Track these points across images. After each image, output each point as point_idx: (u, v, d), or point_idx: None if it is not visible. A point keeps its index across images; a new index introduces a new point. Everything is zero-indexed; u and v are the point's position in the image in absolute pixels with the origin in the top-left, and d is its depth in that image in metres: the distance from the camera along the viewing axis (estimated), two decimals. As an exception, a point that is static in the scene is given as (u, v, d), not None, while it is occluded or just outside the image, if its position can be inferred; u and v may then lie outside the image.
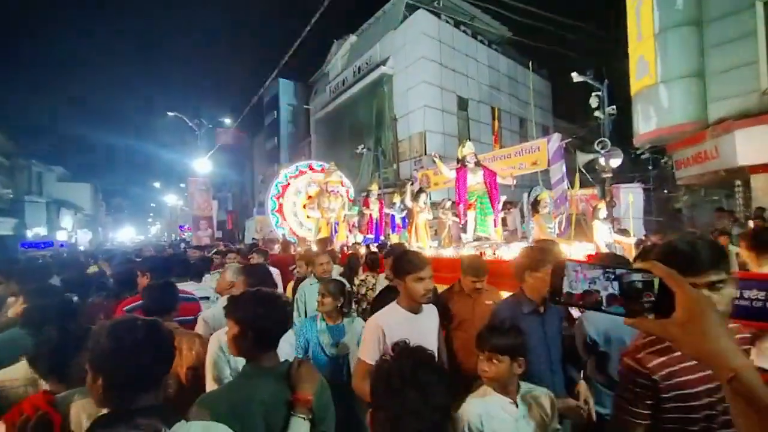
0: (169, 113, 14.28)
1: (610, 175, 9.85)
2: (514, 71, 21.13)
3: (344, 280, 3.06)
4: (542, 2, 15.84)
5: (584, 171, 11.33)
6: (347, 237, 7.19)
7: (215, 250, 7.28)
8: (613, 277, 0.54)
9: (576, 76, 9.76)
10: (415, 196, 5.33)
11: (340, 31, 22.71)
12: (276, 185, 8.73)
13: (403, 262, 1.77)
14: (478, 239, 4.72)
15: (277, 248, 7.14)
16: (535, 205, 4.14)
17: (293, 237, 8.64)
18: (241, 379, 1.33)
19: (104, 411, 1.03)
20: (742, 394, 0.47)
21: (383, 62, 17.89)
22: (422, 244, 5.11)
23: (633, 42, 9.01)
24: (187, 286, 2.86)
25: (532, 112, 11.14)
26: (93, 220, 34.60)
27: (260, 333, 1.31)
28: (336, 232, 7.07)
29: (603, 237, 4.62)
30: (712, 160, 8.08)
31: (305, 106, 25.93)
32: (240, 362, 1.40)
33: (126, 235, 47.17)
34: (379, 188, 16.23)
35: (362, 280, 3.61)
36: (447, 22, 17.58)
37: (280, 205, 8.74)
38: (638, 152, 11.20)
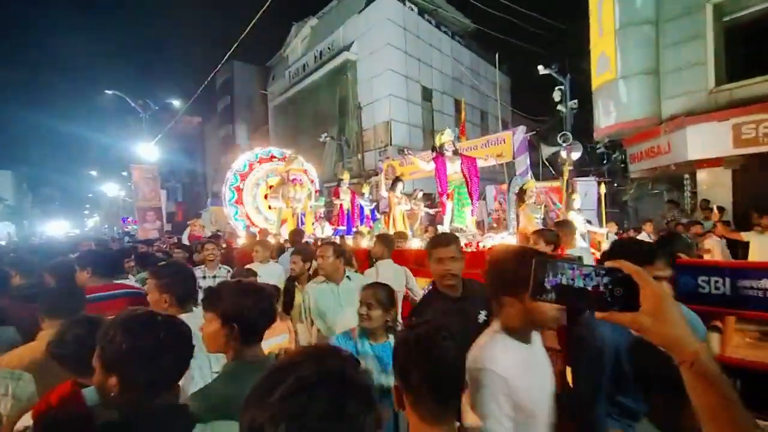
0: (108, 92, 12.71)
1: (571, 167, 10.19)
2: (476, 64, 21.35)
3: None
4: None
5: (548, 164, 11.69)
6: (314, 229, 6.77)
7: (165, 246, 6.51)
8: (586, 274, 0.59)
9: (542, 69, 9.91)
10: (392, 186, 5.03)
11: (299, 13, 21.68)
12: (234, 174, 8.03)
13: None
14: (454, 230, 4.55)
15: (240, 242, 6.55)
16: (521, 194, 4.03)
17: (254, 229, 8.04)
18: (228, 377, 1.21)
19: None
20: (702, 374, 0.53)
21: (347, 47, 17.28)
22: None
23: (595, 37, 9.25)
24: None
25: (498, 105, 11.20)
26: (15, 211, 30.79)
27: (247, 326, 1.24)
28: (302, 223, 6.61)
29: (577, 227, 4.63)
30: (664, 154, 8.53)
31: (262, 92, 24.61)
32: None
33: (58, 229, 42.55)
34: (356, 176, 15.64)
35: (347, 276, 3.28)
36: (411, 9, 17.28)
37: (240, 195, 8.07)
38: (596, 146, 11.68)
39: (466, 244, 3.92)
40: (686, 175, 8.50)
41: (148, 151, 13.40)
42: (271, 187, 7.98)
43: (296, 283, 3.02)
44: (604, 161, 12.76)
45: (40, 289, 1.99)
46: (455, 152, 4.84)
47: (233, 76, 26.45)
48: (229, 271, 3.75)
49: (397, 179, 5.09)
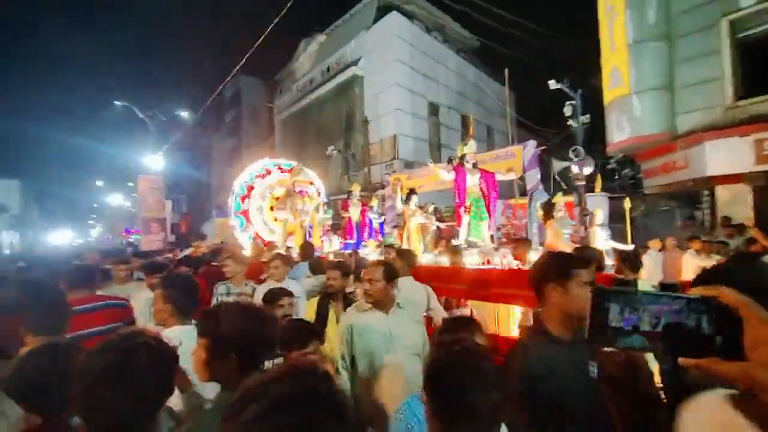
0: (118, 102, 12.76)
1: (583, 182, 10.00)
2: (481, 80, 21.47)
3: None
4: (509, 13, 16.13)
5: (559, 179, 11.51)
6: (322, 242, 6.56)
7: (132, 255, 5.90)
8: (677, 309, 0.44)
9: (553, 84, 9.83)
10: (406, 199, 4.83)
11: (308, 30, 22.04)
12: (241, 185, 7.89)
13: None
14: (470, 245, 4.33)
15: (245, 254, 6.32)
16: (549, 209, 3.83)
17: (259, 241, 7.84)
18: (224, 408, 0.94)
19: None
20: None
21: (354, 63, 17.43)
22: (414, 250, 4.63)
23: (606, 52, 9.20)
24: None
25: (507, 120, 11.06)
26: (21, 221, 30.85)
27: (245, 354, 1.12)
28: (310, 236, 6.41)
29: (601, 243, 4.42)
30: (681, 170, 8.34)
31: (269, 105, 24.80)
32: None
33: (63, 239, 42.55)
34: (362, 190, 15.58)
35: (350, 292, 3.06)
36: (418, 26, 17.48)
37: (246, 207, 7.92)
38: (608, 161, 11.52)
39: (486, 261, 3.71)
40: (705, 192, 8.27)
41: (154, 161, 13.36)
42: (277, 198, 7.81)
43: (331, 300, 2.66)
44: (616, 176, 12.55)
45: (25, 301, 1.77)
46: (475, 165, 4.68)
47: (241, 89, 26.74)
48: (254, 289, 3.41)
49: (411, 192, 4.90)
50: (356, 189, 6.10)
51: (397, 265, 2.94)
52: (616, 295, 0.46)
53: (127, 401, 0.86)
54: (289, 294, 2.29)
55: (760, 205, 7.68)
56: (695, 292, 0.45)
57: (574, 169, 10.22)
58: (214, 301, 3.20)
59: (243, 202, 7.90)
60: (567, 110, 10.49)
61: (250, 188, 8.06)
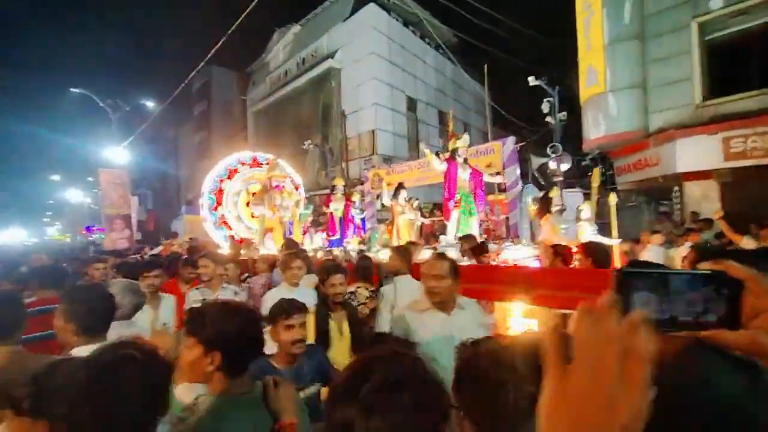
0: (75, 90, 11.77)
1: (561, 178, 10.20)
2: (458, 77, 21.55)
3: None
4: (487, 10, 16.21)
5: (537, 174, 11.69)
6: (302, 239, 6.30)
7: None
8: (688, 281, 0.44)
9: (532, 80, 9.93)
10: (394, 194, 4.65)
11: (282, 20, 21.36)
12: (214, 179, 7.47)
13: None
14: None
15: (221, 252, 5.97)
16: (545, 203, 3.76)
17: (233, 239, 7.47)
18: (213, 415, 1.07)
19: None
20: None
21: (331, 55, 17.03)
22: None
23: (582, 51, 9.34)
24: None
25: (488, 115, 11.08)
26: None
27: (233, 355, 1.11)
28: (290, 233, 6.12)
29: (588, 238, 4.42)
30: (653, 167, 8.61)
31: (242, 97, 23.92)
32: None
33: (13, 237, 39.47)
34: (345, 184, 15.22)
35: (351, 293, 2.87)
36: (396, 19, 17.28)
37: (219, 202, 7.50)
38: (583, 158, 11.80)
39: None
40: (675, 188, 8.59)
41: (117, 154, 12.49)
42: (253, 194, 7.45)
43: (330, 312, 2.36)
44: (589, 173, 12.89)
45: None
46: (466, 160, 4.56)
47: (211, 80, 25.65)
48: (236, 293, 3.26)
49: (400, 186, 4.72)
50: (340, 183, 5.86)
51: (395, 262, 2.77)
52: (642, 278, 0.43)
53: (111, 421, 0.78)
54: (303, 309, 1.83)
55: (727, 200, 8.04)
56: (704, 268, 0.45)
57: (552, 165, 10.42)
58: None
59: (216, 197, 7.48)
60: (545, 107, 10.67)
61: (223, 183, 7.64)
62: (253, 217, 7.71)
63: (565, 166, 10.28)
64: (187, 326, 1.15)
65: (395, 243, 4.37)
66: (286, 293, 2.35)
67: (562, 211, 3.69)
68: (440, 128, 20.03)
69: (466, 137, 4.59)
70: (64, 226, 45.67)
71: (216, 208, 7.41)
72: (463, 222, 4.35)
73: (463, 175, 4.48)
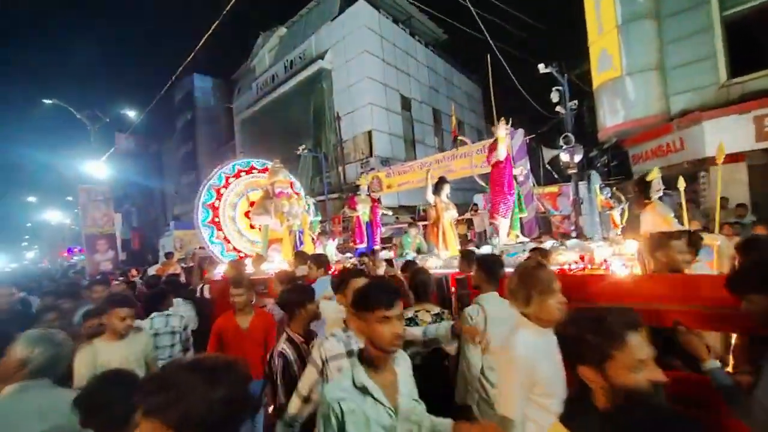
0: (48, 101, 10.76)
1: (575, 170, 9.68)
2: (450, 74, 21.13)
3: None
4: (478, 5, 15.78)
5: (549, 168, 11.16)
6: (314, 249, 5.57)
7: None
8: None
9: (542, 68, 9.40)
10: (436, 189, 3.95)
11: (265, 24, 20.66)
12: (209, 189, 6.68)
13: None
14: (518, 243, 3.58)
15: (218, 272, 5.20)
16: (645, 188, 3.09)
17: (232, 253, 6.69)
18: None
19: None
20: None
21: (320, 56, 16.38)
22: (451, 251, 3.78)
23: (593, 34, 8.88)
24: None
25: (494, 111, 10.49)
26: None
27: None
28: (301, 243, 5.39)
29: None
30: (676, 152, 8.13)
31: (227, 106, 23.04)
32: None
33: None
34: (336, 191, 14.41)
35: (410, 319, 2.18)
36: (386, 17, 16.73)
37: (215, 214, 6.72)
38: (594, 149, 11.33)
39: (581, 258, 2.85)
40: (702, 173, 8.12)
41: (97, 169, 11.53)
42: (252, 203, 6.69)
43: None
44: (598, 164, 12.45)
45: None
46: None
47: (193, 90, 24.71)
48: (182, 317, 3.24)
49: (442, 180, 4.02)
50: (364, 183, 5.15)
51: (476, 276, 2.08)
52: None
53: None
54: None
55: (754, 184, 7.60)
56: None
57: (565, 157, 9.90)
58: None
59: (212, 209, 6.69)
60: (554, 96, 10.15)
61: (219, 193, 6.86)
62: (251, 228, 6.95)
63: (578, 158, 9.76)
64: (142, 401, 0.83)
65: (441, 248, 3.70)
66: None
67: (661, 197, 3.09)
68: (434, 126, 19.53)
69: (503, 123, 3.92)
70: (43, 249, 43.62)
71: (212, 221, 6.62)
72: (515, 221, 3.73)
73: (515, 169, 3.85)
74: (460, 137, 6.91)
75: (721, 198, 7.55)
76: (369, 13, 15.54)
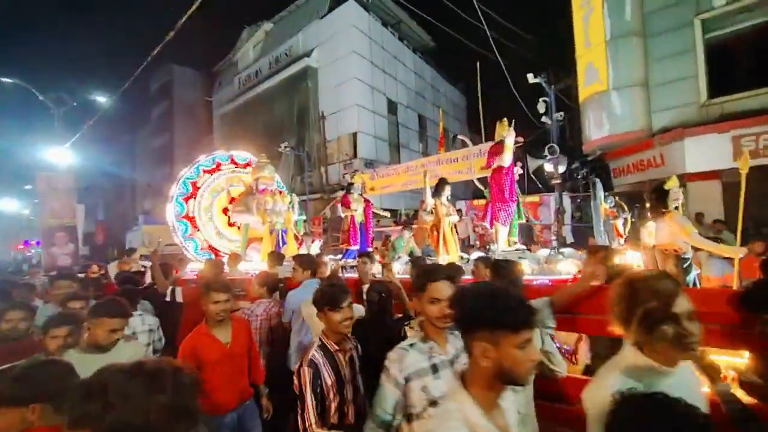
0: (6, 80, 9.88)
1: (559, 181, 9.79)
2: (436, 81, 21.20)
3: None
4: (468, 14, 15.94)
5: (534, 177, 11.26)
6: (299, 250, 5.27)
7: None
8: None
9: (531, 78, 9.49)
10: (436, 191, 3.73)
11: (251, 17, 20.14)
12: (185, 182, 6.25)
13: None
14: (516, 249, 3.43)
15: (191, 270, 4.80)
16: (663, 196, 3.00)
17: (208, 252, 6.27)
18: None
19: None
20: None
21: (307, 54, 16.05)
22: (452, 256, 3.57)
23: (581, 48, 9.03)
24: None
25: (481, 119, 10.48)
26: None
27: None
28: (284, 242, 5.07)
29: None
30: (656, 167, 8.32)
31: (207, 99, 22.26)
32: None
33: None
34: (318, 191, 14.04)
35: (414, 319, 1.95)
36: (375, 19, 16.61)
37: (191, 209, 6.29)
38: (575, 161, 11.53)
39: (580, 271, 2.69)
40: (682, 188, 8.33)
41: (60, 156, 10.72)
42: (233, 199, 6.31)
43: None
44: (576, 175, 12.70)
45: None
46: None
47: (172, 80, 23.75)
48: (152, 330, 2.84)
49: (443, 182, 3.80)
50: (358, 181, 4.86)
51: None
52: None
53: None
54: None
55: (728, 201, 7.85)
56: None
57: (549, 167, 10.00)
58: None
59: (187, 203, 6.26)
60: (540, 107, 10.26)
61: (196, 186, 6.44)
62: (230, 225, 6.56)
63: (561, 168, 9.89)
64: (74, 411, 0.75)
65: (441, 253, 3.50)
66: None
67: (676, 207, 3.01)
68: (420, 132, 19.50)
69: (505, 123, 3.76)
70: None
71: (186, 216, 6.19)
72: (513, 227, 3.59)
73: (517, 173, 3.72)
74: (459, 137, 6.81)
75: (697, 213, 7.81)
76: (359, 13, 15.37)
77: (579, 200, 14.10)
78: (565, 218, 10.35)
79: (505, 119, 3.75)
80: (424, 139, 19.74)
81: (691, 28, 7.79)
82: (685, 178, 8.08)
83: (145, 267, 5.85)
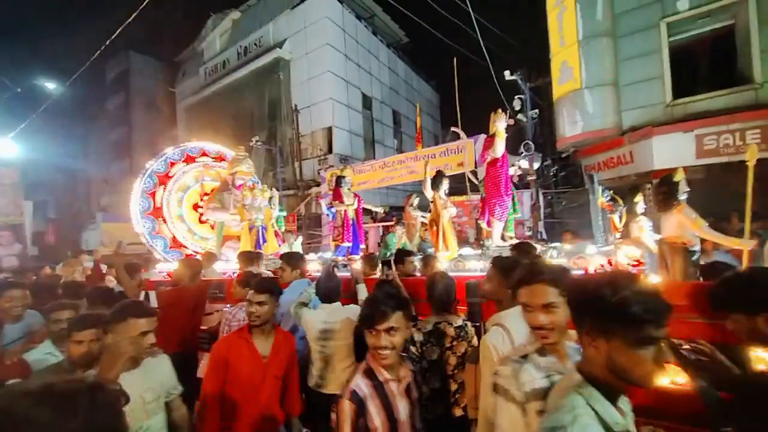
0: None
1: (534, 177, 10.00)
2: (410, 77, 21.17)
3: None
4: (439, 12, 15.99)
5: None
6: (279, 247, 4.99)
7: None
8: None
9: (507, 75, 9.59)
10: (434, 184, 3.57)
11: (217, 5, 19.19)
12: (150, 175, 5.77)
13: None
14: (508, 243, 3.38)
15: (158, 271, 4.42)
16: (673, 188, 2.94)
17: (177, 251, 5.84)
18: None
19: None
20: None
21: (278, 45, 15.50)
22: (451, 252, 3.45)
23: (555, 47, 9.21)
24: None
25: (458, 114, 10.47)
26: None
27: None
28: (264, 240, 4.78)
29: (647, 236, 3.84)
30: (626, 165, 8.65)
31: (170, 89, 21.05)
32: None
33: None
34: (292, 187, 13.61)
35: (429, 332, 1.80)
36: (349, 12, 16.28)
37: (157, 205, 5.84)
38: (560, 156, 11.83)
39: (608, 261, 2.63)
40: (648, 185, 8.72)
41: (3, 148, 9.71)
42: (206, 194, 5.91)
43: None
44: (548, 172, 13.06)
45: None
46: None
47: (130, 69, 22.27)
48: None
49: (440, 174, 3.65)
50: (349, 174, 4.60)
51: (491, 285, 1.72)
52: None
53: None
54: None
55: (690, 196, 8.27)
56: None
57: (524, 163, 10.19)
58: None
59: (153, 198, 5.80)
60: (516, 104, 10.42)
61: (163, 180, 5.98)
62: (201, 222, 6.16)
63: (536, 165, 10.11)
64: None
65: (441, 248, 3.37)
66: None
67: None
68: (394, 128, 19.40)
69: (502, 114, 3.69)
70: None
71: (153, 212, 5.73)
72: (509, 222, 3.54)
73: (512, 169, 3.66)
74: (453, 129, 6.72)
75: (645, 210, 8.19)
76: (332, 5, 15.01)
77: (550, 197, 14.56)
78: (540, 214, 10.62)
79: (500, 109, 3.69)
80: (398, 135, 19.67)
81: (657, 30, 8.12)
82: (652, 175, 8.48)
83: (90, 269, 5.33)
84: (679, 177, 3.03)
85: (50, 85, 10.49)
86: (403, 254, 3.13)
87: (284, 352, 2.04)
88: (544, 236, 9.55)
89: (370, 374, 1.39)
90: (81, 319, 1.71)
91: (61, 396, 0.71)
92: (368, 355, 1.44)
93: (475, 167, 8.69)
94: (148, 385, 1.63)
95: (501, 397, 1.17)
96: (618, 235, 4.24)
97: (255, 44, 16.69)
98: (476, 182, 6.39)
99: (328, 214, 6.01)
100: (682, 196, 2.98)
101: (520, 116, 10.26)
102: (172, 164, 6.10)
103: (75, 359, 1.62)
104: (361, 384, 1.36)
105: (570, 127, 9.03)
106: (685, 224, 2.76)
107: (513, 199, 3.62)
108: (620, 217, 4.39)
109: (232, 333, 2.01)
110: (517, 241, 3.49)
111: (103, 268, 5.29)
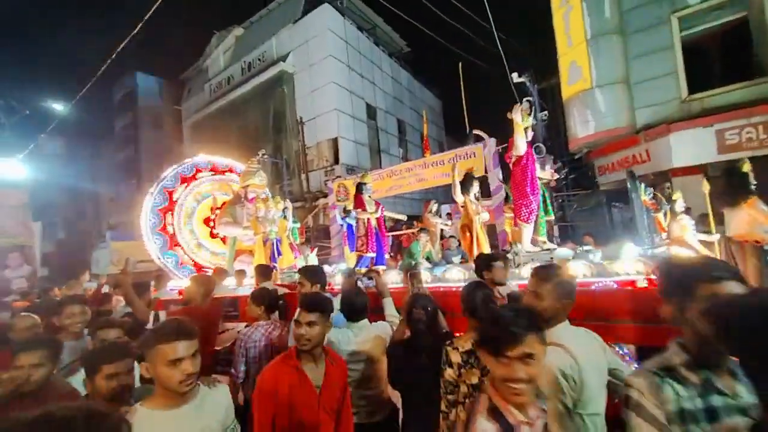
0: None
1: (546, 180, 9.78)
2: (412, 86, 21.19)
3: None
4: (440, 21, 16.01)
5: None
6: (295, 260, 4.82)
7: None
8: None
9: (516, 77, 9.48)
10: (464, 187, 3.37)
11: (220, 23, 19.50)
12: (160, 191, 5.67)
13: None
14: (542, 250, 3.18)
15: (170, 288, 4.25)
16: (743, 181, 2.69)
17: (189, 267, 5.70)
18: None
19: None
20: None
21: (282, 58, 15.58)
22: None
23: (563, 47, 9.10)
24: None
25: (466, 119, 10.35)
26: None
27: None
28: (279, 253, 4.61)
29: (690, 236, 3.62)
30: (642, 163, 8.42)
31: (175, 107, 21.24)
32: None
33: None
34: (299, 199, 13.47)
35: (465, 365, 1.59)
36: (351, 24, 16.39)
37: (168, 221, 5.71)
38: (574, 157, 11.65)
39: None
40: (667, 184, 8.48)
41: (11, 169, 9.71)
42: (217, 208, 5.78)
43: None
44: (570, 175, 12.85)
45: None
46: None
47: (136, 89, 22.55)
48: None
49: (469, 177, 3.46)
50: (369, 180, 4.41)
51: (549, 302, 1.49)
52: None
53: None
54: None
55: (712, 194, 8.02)
56: None
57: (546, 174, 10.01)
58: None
59: (164, 215, 5.68)
60: (525, 106, 10.27)
61: (173, 196, 5.87)
62: (213, 237, 6.02)
63: (548, 167, 9.90)
64: None
65: (475, 255, 3.18)
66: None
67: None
68: (399, 137, 19.33)
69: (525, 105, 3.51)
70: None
71: (164, 229, 5.61)
72: (541, 224, 3.36)
73: (540, 171, 3.49)
74: (475, 131, 6.63)
75: (686, 208, 7.93)
76: (334, 17, 15.11)
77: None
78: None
79: (518, 104, 3.53)
80: (404, 144, 19.60)
81: (668, 25, 7.97)
82: (670, 173, 8.24)
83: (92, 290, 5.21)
84: (747, 168, 2.79)
85: (58, 107, 10.55)
86: (489, 259, 2.69)
87: (337, 379, 1.77)
88: (559, 240, 9.34)
89: (496, 414, 1.08)
90: (107, 349, 1.52)
91: (58, 424, 0.71)
92: (488, 388, 1.15)
93: (486, 172, 8.53)
94: (204, 423, 1.36)
95: (632, 414, 0.98)
96: (665, 235, 4.02)
97: (259, 59, 16.81)
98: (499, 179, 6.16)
99: (342, 224, 5.85)
100: (752, 189, 2.73)
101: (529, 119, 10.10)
102: (183, 179, 6.00)
103: (104, 395, 1.42)
104: (486, 428, 1.06)
105: (582, 128, 8.85)
106: (757, 220, 2.52)
107: (544, 199, 3.43)
108: (665, 216, 4.17)
109: (278, 359, 1.74)
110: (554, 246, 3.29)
111: (106, 288, 5.18)
